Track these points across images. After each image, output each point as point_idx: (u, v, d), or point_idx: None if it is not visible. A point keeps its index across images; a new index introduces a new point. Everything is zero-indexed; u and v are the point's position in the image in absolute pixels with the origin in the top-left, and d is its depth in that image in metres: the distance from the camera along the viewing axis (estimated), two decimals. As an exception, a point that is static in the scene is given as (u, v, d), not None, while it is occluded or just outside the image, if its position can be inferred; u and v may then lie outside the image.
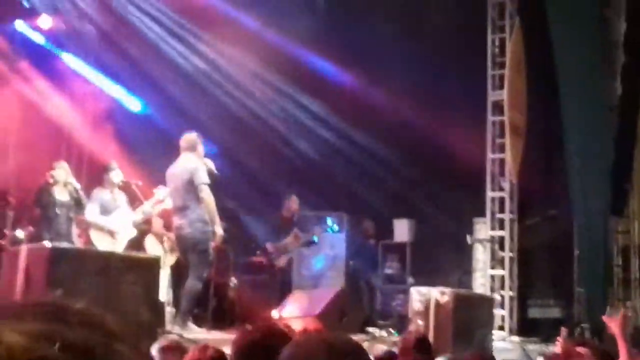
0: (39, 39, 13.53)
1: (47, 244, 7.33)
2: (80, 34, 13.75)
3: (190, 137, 8.99)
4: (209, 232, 8.79)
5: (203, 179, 8.66)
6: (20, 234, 10.11)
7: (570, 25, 10.87)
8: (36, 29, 13.55)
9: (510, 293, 11.63)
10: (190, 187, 8.65)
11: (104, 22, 13.35)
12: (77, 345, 0.80)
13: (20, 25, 13.48)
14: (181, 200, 8.72)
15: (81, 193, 10.01)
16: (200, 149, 8.98)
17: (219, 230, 8.93)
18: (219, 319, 11.63)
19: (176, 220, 8.83)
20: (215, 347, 3.80)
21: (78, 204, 9.92)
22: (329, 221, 12.34)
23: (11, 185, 12.50)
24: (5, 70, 13.43)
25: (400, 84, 12.45)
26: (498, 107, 11.99)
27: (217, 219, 8.87)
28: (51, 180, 9.88)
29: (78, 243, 9.85)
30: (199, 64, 13.40)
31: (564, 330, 5.60)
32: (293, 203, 11.78)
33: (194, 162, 8.79)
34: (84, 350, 0.80)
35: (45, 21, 13.41)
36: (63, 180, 9.93)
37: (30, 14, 13.41)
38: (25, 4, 13.16)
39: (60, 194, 9.87)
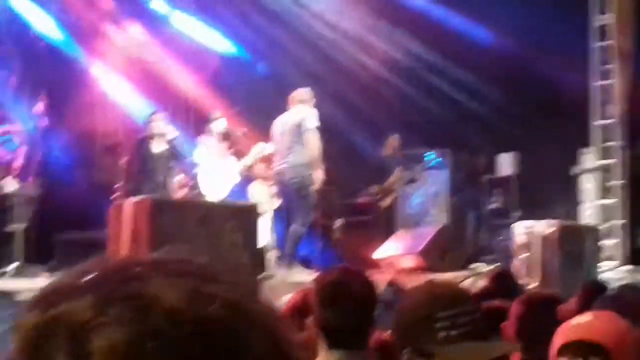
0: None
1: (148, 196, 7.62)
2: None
3: (304, 92, 9.20)
4: (311, 177, 8.93)
5: (314, 123, 8.85)
6: (129, 184, 10.52)
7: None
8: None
9: (621, 222, 11.34)
10: (298, 130, 8.84)
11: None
12: (230, 301, 0.78)
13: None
14: (286, 144, 8.92)
15: (176, 143, 10.24)
16: (313, 103, 9.16)
17: (319, 174, 9.06)
18: (326, 260, 11.86)
19: (277, 165, 9.04)
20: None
21: (174, 155, 10.17)
22: (431, 155, 12.13)
23: (121, 139, 13.01)
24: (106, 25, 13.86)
25: (498, 15, 12.17)
26: (602, 32, 11.57)
27: (319, 164, 9.01)
28: (147, 134, 10.13)
29: (179, 193, 10.16)
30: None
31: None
32: (394, 142, 11.81)
33: (306, 110, 9.01)
34: (236, 307, 0.78)
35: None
36: (159, 132, 10.16)
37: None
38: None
39: (156, 147, 10.10)
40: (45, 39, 13.19)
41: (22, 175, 10.84)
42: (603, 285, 5.74)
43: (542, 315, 3.57)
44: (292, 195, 9.00)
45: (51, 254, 10.69)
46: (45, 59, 13.12)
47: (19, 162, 10.88)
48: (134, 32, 13.85)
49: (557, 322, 3.54)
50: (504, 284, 5.72)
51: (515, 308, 3.63)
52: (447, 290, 2.14)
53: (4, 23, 12.85)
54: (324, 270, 3.25)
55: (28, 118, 11.43)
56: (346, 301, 2.74)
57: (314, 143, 8.84)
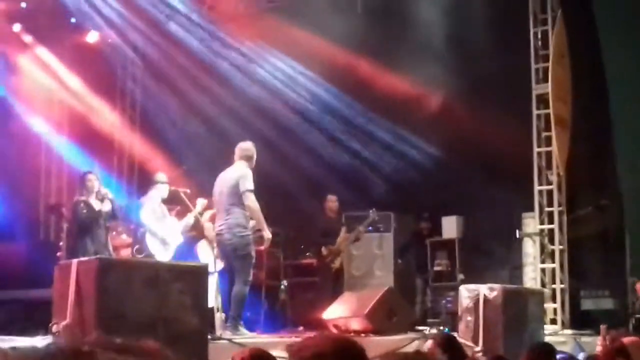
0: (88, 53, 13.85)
1: (95, 256, 7.52)
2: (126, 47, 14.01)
3: (245, 146, 9.19)
4: (248, 237, 8.93)
5: (248, 185, 8.81)
6: (71, 243, 10.37)
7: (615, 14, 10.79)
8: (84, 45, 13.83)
9: (562, 286, 11.56)
10: (235, 192, 8.81)
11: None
12: None
13: (69, 40, 13.79)
14: (224, 205, 8.91)
15: (115, 202, 10.17)
16: (254, 159, 9.15)
17: (267, 234, 9.06)
18: (271, 322, 11.80)
19: (217, 226, 9.03)
20: (256, 348, 3.87)
21: (114, 215, 10.08)
22: (371, 214, 12.12)
23: (65, 198, 12.88)
24: (57, 87, 13.79)
25: (443, 82, 12.45)
26: (542, 100, 11.92)
27: (264, 224, 9.01)
28: (85, 192, 10.00)
29: (122, 253, 10.07)
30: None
31: (603, 329, 5.59)
32: (331, 202, 11.90)
33: (243, 169, 8.96)
34: None
35: (93, 36, 13.73)
36: (95, 191, 10.06)
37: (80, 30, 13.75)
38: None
39: (96, 205, 9.99)
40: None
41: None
42: (550, 347, 5.81)
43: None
44: (231, 256, 8.94)
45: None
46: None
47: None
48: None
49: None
50: (449, 348, 5.77)
51: None
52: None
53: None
54: (304, 338, 3.04)
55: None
56: None
57: (253, 206, 8.85)
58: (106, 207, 9.96)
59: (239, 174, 8.88)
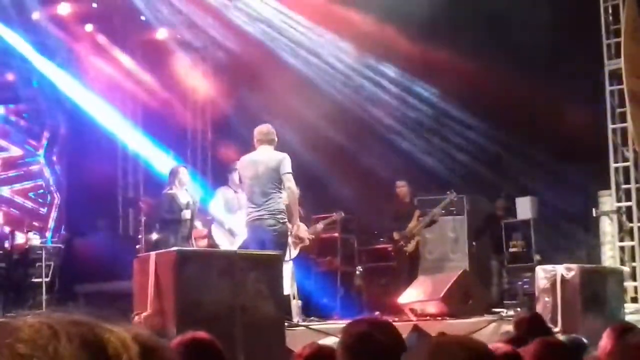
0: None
1: (173, 248, 7.68)
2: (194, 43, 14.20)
3: (266, 129, 8.84)
4: (288, 224, 8.70)
5: (289, 168, 8.53)
6: (154, 237, 10.64)
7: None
8: (154, 42, 14.09)
9: (642, 264, 11.35)
10: (274, 176, 8.51)
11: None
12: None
13: (139, 39, 14.06)
14: (261, 189, 8.54)
15: (197, 206, 10.34)
16: (275, 141, 8.82)
17: (298, 222, 8.94)
18: (347, 307, 11.88)
19: (252, 210, 8.61)
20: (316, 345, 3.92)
21: (197, 208, 10.30)
22: (447, 197, 12.04)
23: (142, 192, 13.18)
24: (130, 83, 14.11)
25: (515, 62, 12.31)
26: (616, 76, 11.69)
27: (297, 210, 8.93)
28: (175, 186, 10.24)
29: (199, 244, 10.25)
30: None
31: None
32: (401, 188, 11.88)
33: (279, 153, 8.68)
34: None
35: (162, 33, 13.95)
36: (186, 185, 10.31)
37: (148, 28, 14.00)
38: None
39: (182, 199, 10.20)
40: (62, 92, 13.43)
41: (46, 228, 11.03)
42: (631, 325, 5.70)
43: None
44: (271, 242, 8.42)
45: (74, 306, 10.74)
46: (62, 110, 13.41)
47: (43, 215, 11.06)
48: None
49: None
50: (534, 328, 5.68)
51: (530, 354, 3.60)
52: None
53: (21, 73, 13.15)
54: (352, 320, 3.23)
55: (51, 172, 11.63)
56: (373, 354, 2.73)
57: (294, 188, 8.67)
58: (191, 200, 10.16)
59: (279, 157, 8.57)
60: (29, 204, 13.04)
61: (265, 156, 8.65)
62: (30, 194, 13.12)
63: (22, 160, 13.28)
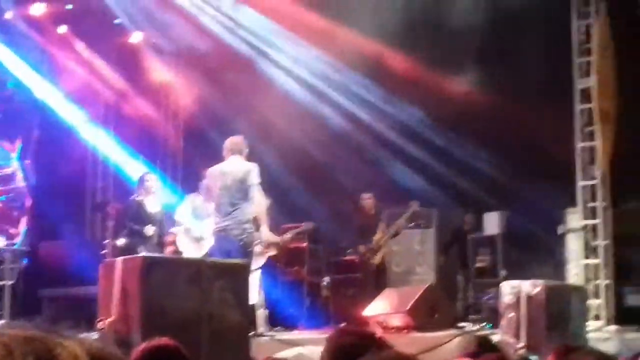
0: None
1: (140, 254, 7.66)
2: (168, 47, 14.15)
3: (237, 140, 9.02)
4: (253, 234, 8.82)
5: (257, 179, 8.67)
6: (121, 242, 10.58)
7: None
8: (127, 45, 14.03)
9: (606, 281, 11.45)
10: (242, 186, 8.62)
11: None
12: None
13: (113, 41, 14.02)
14: (229, 199, 8.67)
15: (166, 211, 10.32)
16: (246, 152, 8.98)
17: (266, 230, 9.03)
18: (313, 318, 11.89)
19: (222, 221, 8.75)
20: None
21: (166, 216, 10.28)
22: (411, 208, 12.12)
23: (110, 197, 13.10)
24: (102, 87, 14.03)
25: (485, 77, 12.43)
26: (585, 95, 11.81)
27: (265, 220, 8.98)
28: (142, 194, 10.20)
29: (167, 251, 10.22)
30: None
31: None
32: (366, 200, 11.93)
33: (248, 163, 8.82)
34: None
35: (136, 36, 13.90)
36: (155, 192, 10.29)
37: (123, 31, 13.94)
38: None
39: (151, 206, 10.18)
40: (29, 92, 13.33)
41: (17, 232, 10.93)
42: (579, 346, 5.77)
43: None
44: (238, 252, 8.57)
45: (38, 310, 10.67)
46: (35, 113, 13.30)
47: (15, 218, 10.97)
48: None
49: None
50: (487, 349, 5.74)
51: None
52: None
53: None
54: (338, 329, 3.22)
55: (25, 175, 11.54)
56: None
57: (259, 199, 8.76)
58: (160, 207, 10.14)
59: (246, 167, 8.71)
60: (-1, 207, 12.90)
61: (234, 167, 8.75)
62: (2, 197, 12.98)
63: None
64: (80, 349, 0.97)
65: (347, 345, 2.82)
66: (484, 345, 5.50)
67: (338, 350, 2.82)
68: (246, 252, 8.64)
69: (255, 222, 8.85)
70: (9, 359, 0.93)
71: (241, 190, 8.61)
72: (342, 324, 11.05)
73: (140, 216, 10.01)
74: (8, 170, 13.21)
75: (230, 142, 8.98)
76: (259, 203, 8.76)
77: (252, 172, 8.65)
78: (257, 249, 10.12)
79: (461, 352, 5.77)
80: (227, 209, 8.65)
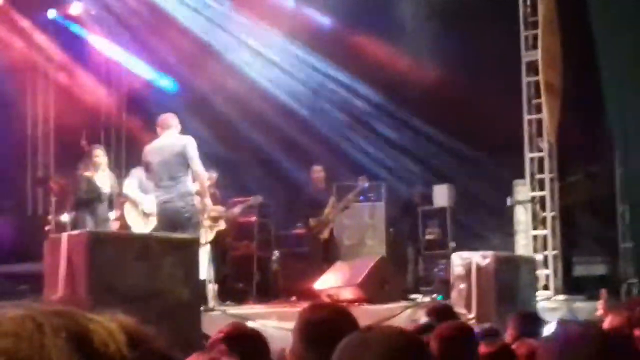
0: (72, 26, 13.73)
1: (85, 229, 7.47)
2: (109, 18, 13.87)
3: (167, 116, 8.99)
4: (195, 206, 8.79)
5: (195, 151, 8.65)
6: (65, 218, 10.33)
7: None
8: (68, 17, 13.73)
9: (554, 252, 11.57)
10: (181, 160, 8.60)
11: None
12: None
13: (52, 13, 13.68)
14: (168, 174, 8.64)
15: (116, 186, 10.13)
16: (179, 127, 8.97)
17: (209, 202, 9.04)
18: (263, 292, 11.82)
19: (161, 194, 8.75)
20: (237, 324, 3.85)
21: (114, 189, 10.07)
22: (360, 182, 12.10)
23: (52, 172, 12.79)
24: (42, 60, 13.66)
25: (432, 50, 12.41)
26: (532, 68, 11.85)
27: (207, 191, 8.98)
28: (90, 168, 9.98)
29: (113, 226, 10.03)
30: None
31: (604, 293, 5.56)
32: (317, 173, 11.85)
33: (184, 137, 8.81)
34: None
35: (76, 7, 13.58)
36: (102, 167, 10.06)
37: (61, 2, 13.60)
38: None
39: (101, 181, 9.97)
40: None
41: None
42: (534, 314, 5.81)
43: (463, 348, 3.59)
44: (183, 225, 8.53)
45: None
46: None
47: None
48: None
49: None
50: (444, 317, 5.70)
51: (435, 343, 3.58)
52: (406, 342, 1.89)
53: None
54: (309, 305, 3.12)
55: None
56: (334, 341, 2.63)
57: (203, 172, 8.77)
58: (108, 181, 9.95)
59: (183, 141, 8.68)
60: None
61: (169, 141, 8.73)
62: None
63: None
64: (114, 325, 0.93)
65: (319, 320, 2.73)
66: (443, 312, 5.46)
67: (311, 326, 2.73)
68: (192, 223, 8.63)
69: (199, 194, 8.77)
70: (39, 334, 0.88)
71: (180, 164, 8.59)
72: (292, 298, 11.04)
73: (91, 189, 9.77)
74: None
75: (161, 119, 8.96)
76: (198, 175, 8.68)
77: (189, 145, 8.62)
78: (206, 222, 10.01)
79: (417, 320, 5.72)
80: (167, 182, 8.63)
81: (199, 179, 8.73)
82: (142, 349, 0.94)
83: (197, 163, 8.61)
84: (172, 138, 8.77)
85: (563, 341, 2.05)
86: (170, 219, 8.60)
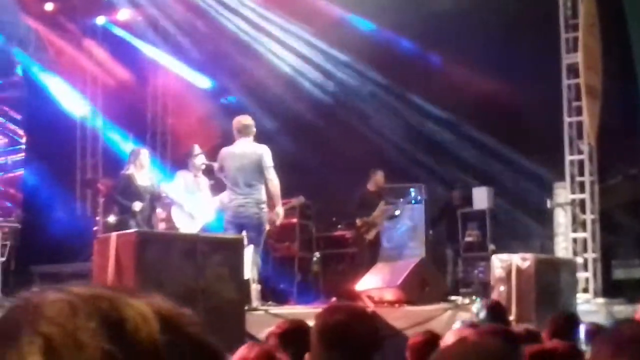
0: (119, 31, 14.00)
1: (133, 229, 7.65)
2: (158, 24, 14.10)
3: (246, 122, 9.34)
4: (266, 213, 9.27)
5: (271, 162, 9.12)
6: (112, 219, 10.56)
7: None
8: (115, 22, 14.00)
9: (594, 255, 11.57)
10: (257, 168, 9.07)
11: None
12: None
13: (100, 20, 13.96)
14: (244, 180, 9.11)
15: (158, 186, 10.33)
16: (254, 133, 9.37)
17: (281, 211, 9.34)
18: (304, 293, 11.94)
19: (238, 199, 9.15)
20: (297, 320, 3.95)
21: (157, 190, 10.26)
22: (412, 192, 12.38)
23: (100, 174, 13.06)
24: (91, 64, 13.97)
25: (473, 54, 12.46)
26: (573, 70, 11.86)
27: (279, 201, 9.28)
28: (133, 168, 10.17)
29: (159, 226, 10.23)
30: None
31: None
32: (379, 177, 11.99)
33: (259, 146, 9.24)
34: None
35: (124, 14, 13.84)
36: (147, 167, 10.27)
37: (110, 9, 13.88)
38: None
39: (142, 181, 10.15)
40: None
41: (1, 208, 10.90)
42: (573, 316, 5.83)
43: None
44: (255, 229, 9.12)
45: (30, 287, 10.63)
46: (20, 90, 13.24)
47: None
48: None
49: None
50: (494, 316, 5.76)
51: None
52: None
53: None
54: (329, 306, 3.21)
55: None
56: (351, 344, 2.68)
57: (276, 181, 9.14)
58: (151, 182, 10.14)
59: (261, 150, 9.16)
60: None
61: (248, 149, 9.19)
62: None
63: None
64: (149, 309, 0.93)
65: (336, 323, 2.77)
66: (496, 309, 5.51)
67: (328, 328, 2.78)
68: (260, 229, 9.18)
69: (271, 201, 9.22)
70: (74, 319, 0.90)
71: (256, 171, 9.07)
72: (333, 299, 11.16)
73: (129, 190, 9.96)
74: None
75: (240, 124, 9.31)
76: (273, 185, 9.13)
77: (266, 155, 9.11)
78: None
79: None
80: (244, 188, 9.11)
81: (273, 188, 9.14)
82: (175, 334, 0.93)
83: (272, 172, 9.10)
84: (250, 146, 9.21)
85: (616, 341, 1.98)
86: (240, 220, 9.11)
